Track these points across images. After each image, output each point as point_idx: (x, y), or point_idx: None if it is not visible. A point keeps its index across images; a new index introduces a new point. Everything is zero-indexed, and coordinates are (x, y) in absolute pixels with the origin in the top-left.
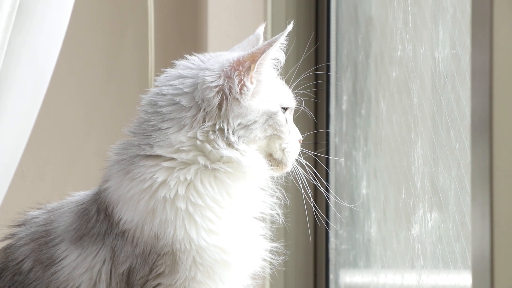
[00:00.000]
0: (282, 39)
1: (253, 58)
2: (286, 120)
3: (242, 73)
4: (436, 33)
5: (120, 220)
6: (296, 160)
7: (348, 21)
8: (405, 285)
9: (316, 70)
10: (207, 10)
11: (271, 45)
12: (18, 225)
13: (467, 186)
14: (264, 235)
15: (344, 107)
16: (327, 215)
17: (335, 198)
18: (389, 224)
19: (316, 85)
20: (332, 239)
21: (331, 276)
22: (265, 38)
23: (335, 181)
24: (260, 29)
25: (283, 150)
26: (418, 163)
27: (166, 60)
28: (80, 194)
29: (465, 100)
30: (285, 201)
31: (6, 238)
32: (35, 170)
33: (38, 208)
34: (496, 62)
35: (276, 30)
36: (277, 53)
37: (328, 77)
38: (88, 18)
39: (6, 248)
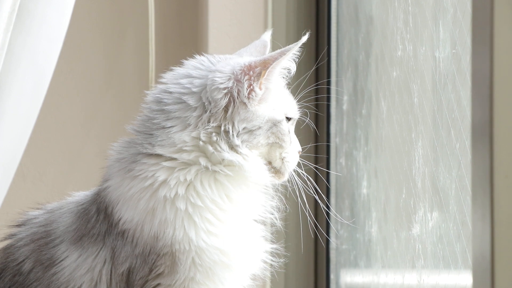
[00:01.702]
0: (295, 49)
1: (265, 65)
2: (289, 130)
3: (252, 78)
4: (437, 33)
5: (120, 219)
6: (294, 170)
7: (348, 21)
8: (405, 285)
9: (317, 70)
10: (208, 11)
11: (284, 54)
12: (18, 225)
13: (467, 186)
14: (264, 236)
15: (344, 107)
16: (328, 215)
17: (334, 214)
18: (390, 224)
19: (316, 85)
20: (332, 239)
21: (332, 276)
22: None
23: (336, 181)
24: (267, 36)
25: (282, 159)
26: (419, 163)
27: (166, 61)
28: (80, 195)
29: (466, 100)
30: (285, 203)
31: (6, 238)
32: (35, 171)
33: (38, 208)
34: (496, 62)
35: (276, 31)
36: (288, 62)
37: (328, 76)
38: (88, 19)
39: (6, 248)
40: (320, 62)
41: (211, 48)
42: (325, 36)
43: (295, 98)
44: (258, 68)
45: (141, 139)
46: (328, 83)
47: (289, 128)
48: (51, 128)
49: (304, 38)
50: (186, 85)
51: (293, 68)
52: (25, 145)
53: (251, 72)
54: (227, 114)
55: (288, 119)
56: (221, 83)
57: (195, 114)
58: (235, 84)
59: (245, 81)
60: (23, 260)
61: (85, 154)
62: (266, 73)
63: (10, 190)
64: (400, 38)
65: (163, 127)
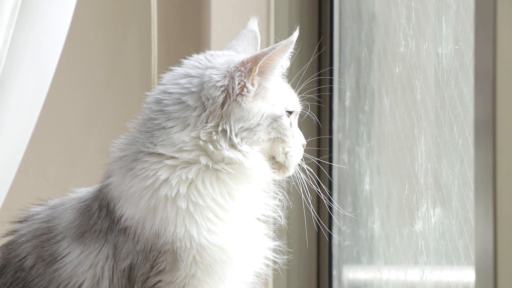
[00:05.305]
0: (288, 46)
1: (255, 61)
2: (291, 124)
3: (243, 74)
4: (440, 29)
5: (121, 216)
6: (298, 165)
7: (351, 17)
8: (408, 281)
9: (319, 66)
10: (210, 7)
11: (274, 49)
12: (20, 222)
13: (470, 182)
14: (267, 234)
15: (347, 103)
16: (330, 211)
17: (337, 207)
18: (392, 220)
19: (319, 82)
20: (335, 235)
21: (334, 272)
22: (267, 35)
23: (338, 178)
24: (254, 25)
25: (286, 153)
26: (421, 159)
27: (169, 57)
28: (82, 191)
29: (469, 96)
30: (287, 202)
31: (8, 234)
32: (38, 167)
33: (40, 205)
34: (499, 58)
35: (279, 27)
36: (281, 58)
37: (331, 73)
38: (90, 15)
39: (8, 244)
40: (322, 57)
41: (214, 44)
42: (327, 32)
43: (296, 92)
44: (249, 64)
45: (143, 138)
46: (331, 79)
47: (291, 122)
48: (53, 124)
49: (296, 34)
50: (185, 85)
51: (286, 64)
52: (28, 141)
53: (243, 69)
54: (223, 111)
55: (290, 112)
56: (218, 81)
57: (194, 114)
58: (230, 82)
59: (237, 77)
60: (25, 256)
61: (87, 150)
62: (257, 69)
63: (13, 186)
64: (403, 34)
65: (164, 128)
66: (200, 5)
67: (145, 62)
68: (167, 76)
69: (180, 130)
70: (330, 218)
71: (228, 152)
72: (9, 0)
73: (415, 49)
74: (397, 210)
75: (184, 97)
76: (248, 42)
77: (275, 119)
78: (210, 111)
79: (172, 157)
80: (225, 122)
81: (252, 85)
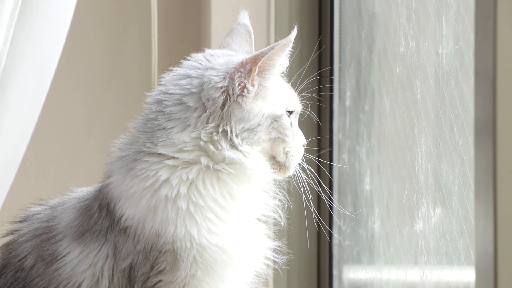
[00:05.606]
0: (287, 45)
1: (255, 61)
2: (291, 124)
3: (243, 75)
4: (440, 29)
5: (121, 216)
6: (299, 164)
7: (351, 17)
8: (408, 281)
9: (319, 66)
10: (210, 7)
11: (273, 49)
12: (20, 221)
13: (470, 182)
14: (267, 234)
15: (347, 103)
16: (331, 211)
17: (338, 207)
18: (393, 220)
19: (319, 81)
20: (335, 235)
21: (335, 272)
22: (268, 34)
23: (339, 177)
24: (245, 18)
25: (286, 153)
26: (422, 159)
27: (169, 57)
28: (82, 191)
29: (469, 96)
30: (288, 202)
31: (8, 234)
32: (38, 167)
33: (40, 204)
34: (499, 58)
35: (279, 27)
36: (280, 57)
37: (331, 72)
38: (90, 15)
39: (8, 244)
40: (322, 57)
41: (214, 44)
42: (327, 31)
43: (296, 92)
44: (249, 64)
45: (144, 138)
46: (331, 79)
47: (291, 122)
48: (53, 124)
49: (294, 33)
50: (185, 86)
51: (285, 63)
52: (28, 141)
53: (242, 69)
54: (224, 113)
55: (290, 112)
56: (218, 82)
57: (195, 114)
58: (230, 83)
59: (237, 78)
60: (25, 256)
61: (87, 150)
62: (256, 69)
63: (13, 186)
64: (403, 34)
65: (164, 128)
66: (200, 5)
67: (145, 62)
68: (167, 77)
69: (181, 131)
70: (331, 217)
71: (229, 153)
72: (9, 0)
73: (415, 49)
74: (398, 209)
75: (184, 98)
76: (242, 37)
77: (275, 119)
78: (211, 112)
79: (173, 157)
80: (226, 123)
81: (252, 85)
